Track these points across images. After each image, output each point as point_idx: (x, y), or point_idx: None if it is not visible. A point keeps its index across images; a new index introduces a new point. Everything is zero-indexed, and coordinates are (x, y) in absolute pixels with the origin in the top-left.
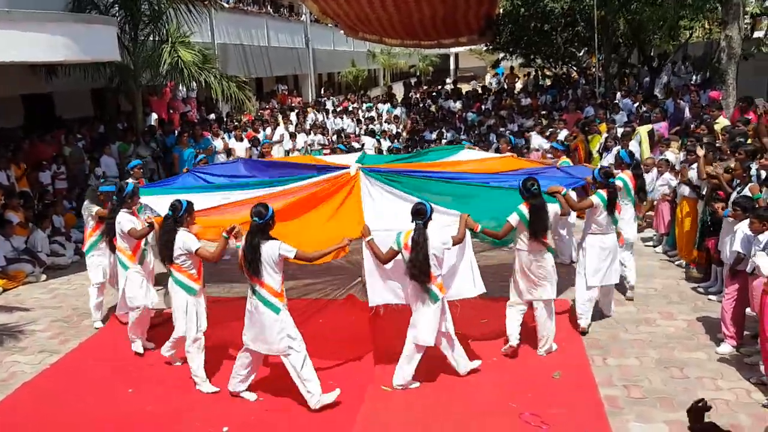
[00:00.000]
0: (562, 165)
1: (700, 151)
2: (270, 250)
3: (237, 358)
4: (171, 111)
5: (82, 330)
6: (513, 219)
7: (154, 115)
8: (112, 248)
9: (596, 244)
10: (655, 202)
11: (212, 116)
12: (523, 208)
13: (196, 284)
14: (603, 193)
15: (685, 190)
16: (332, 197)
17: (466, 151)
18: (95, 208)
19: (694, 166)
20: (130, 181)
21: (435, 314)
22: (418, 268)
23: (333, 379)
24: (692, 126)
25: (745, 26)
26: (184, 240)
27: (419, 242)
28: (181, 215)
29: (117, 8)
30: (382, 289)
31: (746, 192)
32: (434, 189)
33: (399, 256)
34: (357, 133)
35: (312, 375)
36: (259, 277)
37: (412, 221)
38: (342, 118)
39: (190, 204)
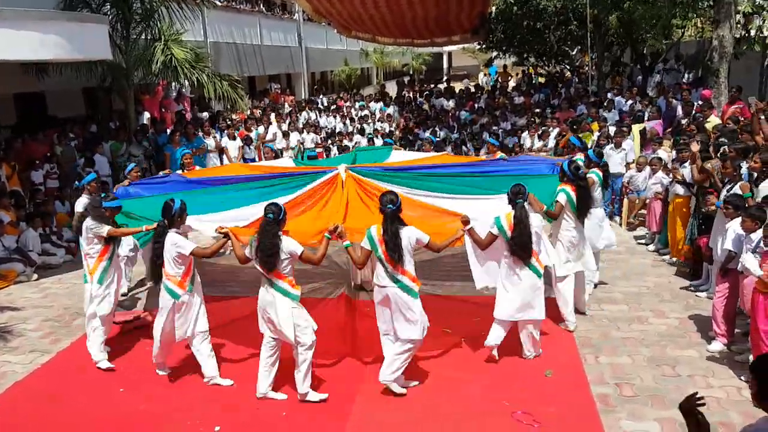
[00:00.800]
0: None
1: (695, 147)
2: (409, 234)
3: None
4: (163, 110)
5: (73, 329)
6: (562, 199)
7: (147, 114)
8: (158, 278)
9: (593, 214)
10: (648, 201)
11: (205, 114)
12: (569, 190)
13: (297, 291)
14: (597, 170)
15: (678, 188)
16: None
17: (396, 152)
18: (105, 228)
19: (686, 164)
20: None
21: (541, 288)
22: (522, 245)
23: (324, 378)
24: (683, 124)
25: (738, 24)
26: (288, 244)
27: (523, 220)
28: (281, 218)
29: (109, 7)
30: (485, 272)
31: (736, 190)
32: (434, 183)
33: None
34: (348, 131)
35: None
36: (402, 264)
37: (511, 202)
38: (335, 116)
39: (284, 207)
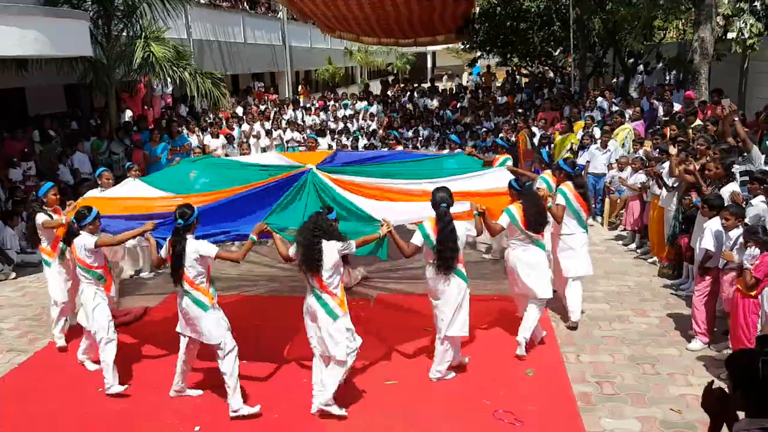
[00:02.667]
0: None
1: (673, 150)
2: (460, 228)
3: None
4: (146, 107)
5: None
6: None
7: (129, 112)
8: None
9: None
10: (627, 200)
11: (182, 108)
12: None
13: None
14: (548, 176)
15: (655, 188)
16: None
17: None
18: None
19: (665, 165)
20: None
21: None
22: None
23: (307, 377)
24: (662, 125)
25: (719, 27)
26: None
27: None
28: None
29: (90, 3)
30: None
31: (723, 191)
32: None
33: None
34: (331, 129)
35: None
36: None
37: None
38: (318, 115)
39: None
